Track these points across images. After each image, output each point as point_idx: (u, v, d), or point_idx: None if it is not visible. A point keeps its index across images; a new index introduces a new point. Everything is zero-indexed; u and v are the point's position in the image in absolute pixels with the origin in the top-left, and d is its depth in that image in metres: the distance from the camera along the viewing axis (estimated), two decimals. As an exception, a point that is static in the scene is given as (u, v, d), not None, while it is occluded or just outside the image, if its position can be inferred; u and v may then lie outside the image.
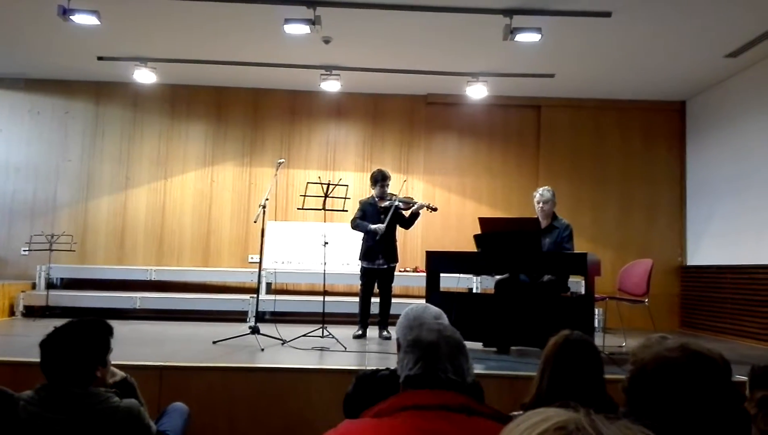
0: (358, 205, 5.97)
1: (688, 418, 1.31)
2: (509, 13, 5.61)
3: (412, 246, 7.96)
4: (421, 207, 5.79)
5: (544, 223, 5.34)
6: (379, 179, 5.88)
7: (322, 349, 4.93)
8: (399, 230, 5.98)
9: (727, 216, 7.16)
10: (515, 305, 4.88)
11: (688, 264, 8.00)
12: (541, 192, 5.44)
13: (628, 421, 0.67)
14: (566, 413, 0.67)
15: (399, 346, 2.16)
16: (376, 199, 5.90)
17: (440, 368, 1.56)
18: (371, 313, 5.89)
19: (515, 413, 1.93)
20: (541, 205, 5.39)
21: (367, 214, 5.85)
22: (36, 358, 2.20)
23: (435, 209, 5.86)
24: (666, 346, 1.41)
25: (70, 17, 5.56)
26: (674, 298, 8.02)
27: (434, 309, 2.24)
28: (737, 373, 2.30)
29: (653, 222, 8.18)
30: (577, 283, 6.14)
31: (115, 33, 6.45)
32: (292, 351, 4.84)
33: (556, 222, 5.41)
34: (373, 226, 5.72)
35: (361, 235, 5.90)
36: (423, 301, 4.81)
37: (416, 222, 6.00)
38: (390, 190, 5.95)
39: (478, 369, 1.71)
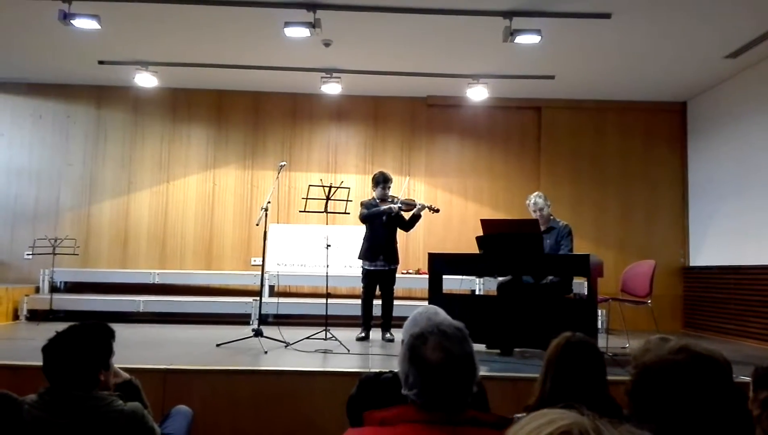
0: (360, 206, 5.97)
1: (692, 419, 1.31)
2: (509, 15, 5.62)
3: (414, 248, 7.96)
4: (423, 208, 5.78)
5: (542, 227, 5.36)
6: (381, 181, 5.89)
7: (325, 351, 4.93)
8: (400, 232, 5.98)
9: (729, 216, 7.16)
10: (518, 307, 4.88)
11: (691, 265, 7.99)
12: (534, 200, 5.44)
13: (632, 425, 0.67)
14: (571, 417, 0.67)
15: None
16: (378, 201, 5.91)
17: (444, 396, 1.51)
18: (374, 315, 5.89)
19: (518, 415, 1.93)
20: (537, 213, 5.39)
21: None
22: (39, 362, 2.21)
23: (437, 210, 5.84)
24: (668, 349, 1.41)
25: (71, 21, 5.57)
26: (677, 299, 8.01)
27: (444, 314, 2.21)
28: (741, 373, 2.30)
29: (655, 223, 8.17)
30: (580, 285, 6.13)
31: (116, 37, 6.47)
32: (296, 353, 4.85)
33: (553, 223, 5.44)
34: (384, 207, 5.72)
35: (362, 235, 5.90)
36: (426, 303, 4.82)
37: (417, 224, 5.99)
38: (391, 192, 5.96)
39: (481, 371, 1.68)
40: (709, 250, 7.60)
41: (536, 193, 5.58)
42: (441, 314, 2.19)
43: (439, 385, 1.51)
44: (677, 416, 1.32)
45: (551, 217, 5.49)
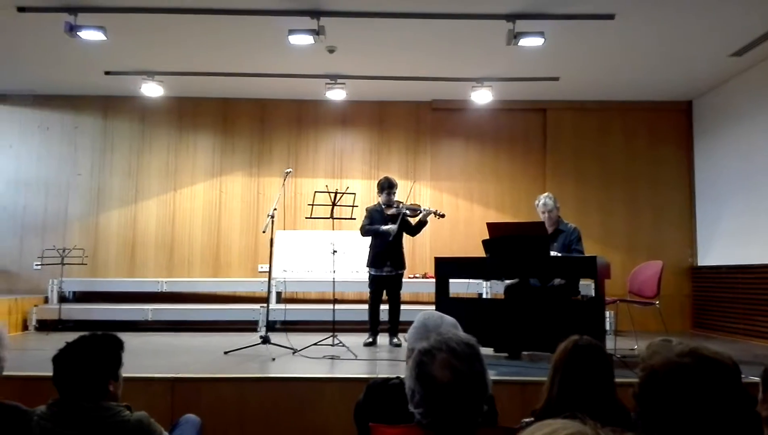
0: (365, 213, 5.99)
1: (700, 422, 1.31)
2: (512, 18, 5.62)
3: (420, 252, 7.96)
4: (429, 214, 5.79)
5: (550, 230, 5.33)
6: (386, 187, 5.90)
7: (332, 357, 4.93)
8: (406, 237, 5.99)
9: (737, 215, 7.11)
10: (525, 310, 4.86)
11: (699, 264, 7.95)
12: (544, 201, 5.39)
13: (636, 433, 0.67)
14: (573, 426, 0.67)
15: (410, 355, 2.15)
16: (383, 207, 5.91)
17: (451, 416, 1.45)
18: (381, 320, 5.89)
19: (526, 420, 1.93)
20: (546, 214, 5.36)
21: (374, 221, 5.87)
22: (48, 372, 2.23)
23: (442, 216, 5.85)
24: (675, 352, 1.40)
25: (77, 33, 5.62)
26: (686, 299, 7.97)
27: (450, 320, 2.19)
28: (750, 373, 2.28)
29: (662, 223, 8.13)
30: (587, 287, 6.11)
31: (122, 48, 6.51)
32: (303, 360, 4.85)
33: (562, 226, 5.40)
34: (384, 227, 5.74)
35: (368, 242, 5.91)
36: (433, 307, 4.82)
37: (423, 229, 5.99)
38: (396, 197, 5.96)
39: (489, 375, 1.65)
40: (717, 249, 7.55)
41: (546, 193, 5.53)
42: (446, 321, 2.17)
43: (447, 406, 1.45)
44: (685, 420, 1.31)
45: (559, 219, 5.46)
